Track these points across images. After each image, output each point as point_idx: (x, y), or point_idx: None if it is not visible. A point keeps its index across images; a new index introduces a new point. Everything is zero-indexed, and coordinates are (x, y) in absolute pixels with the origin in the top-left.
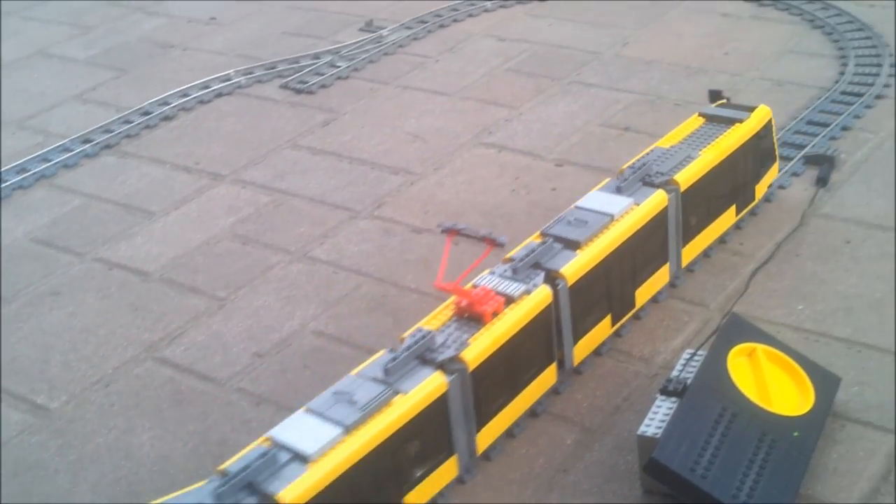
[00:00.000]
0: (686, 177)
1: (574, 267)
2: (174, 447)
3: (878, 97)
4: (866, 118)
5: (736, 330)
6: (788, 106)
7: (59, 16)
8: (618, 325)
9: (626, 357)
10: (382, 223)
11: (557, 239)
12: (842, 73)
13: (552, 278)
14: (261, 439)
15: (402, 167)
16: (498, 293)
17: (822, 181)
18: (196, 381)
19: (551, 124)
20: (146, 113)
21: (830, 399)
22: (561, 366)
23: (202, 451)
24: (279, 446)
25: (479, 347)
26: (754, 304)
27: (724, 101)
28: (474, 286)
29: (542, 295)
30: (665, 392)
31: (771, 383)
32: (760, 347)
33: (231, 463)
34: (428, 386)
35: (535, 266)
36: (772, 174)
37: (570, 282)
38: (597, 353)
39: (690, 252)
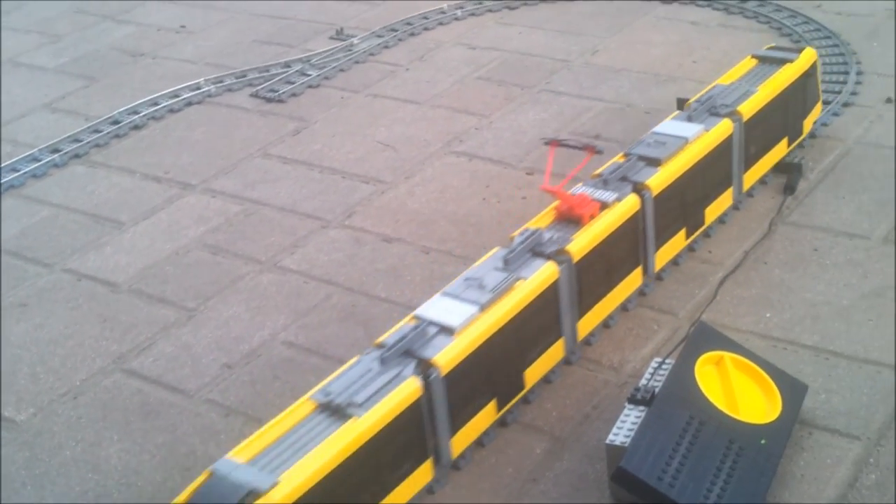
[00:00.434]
0: (747, 108)
1: (657, 180)
2: (142, 460)
3: (846, 105)
4: (833, 126)
5: (704, 338)
6: None
7: (29, 24)
8: (690, 238)
9: (595, 366)
10: (353, 232)
11: (640, 157)
12: None
13: (639, 189)
14: (408, 318)
15: (372, 176)
16: (594, 199)
17: (789, 189)
18: (165, 392)
19: (521, 132)
20: (115, 122)
21: (797, 407)
22: (645, 271)
23: (170, 464)
24: (427, 322)
25: (581, 243)
26: (723, 312)
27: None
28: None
29: (631, 202)
30: (633, 401)
31: (738, 391)
32: (728, 356)
33: (385, 337)
34: (543, 273)
35: (622, 179)
36: (816, 112)
37: (654, 193)
38: (566, 361)
39: (750, 178)
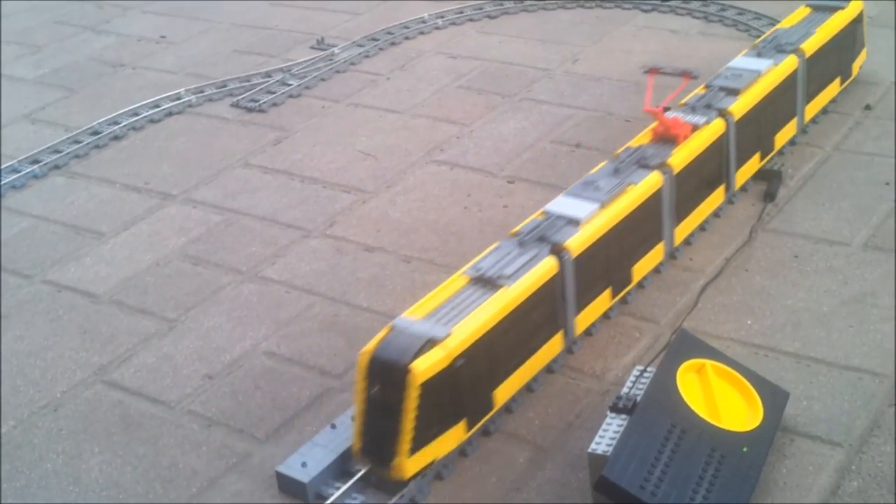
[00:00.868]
0: (809, 46)
1: (738, 106)
2: (123, 472)
3: (825, 112)
4: (812, 133)
5: (685, 346)
6: None
7: (8, 35)
8: (763, 162)
9: (577, 374)
10: (334, 242)
11: (721, 88)
12: None
13: (724, 114)
14: (537, 213)
15: (353, 185)
16: (686, 122)
17: (769, 196)
18: (146, 404)
19: (502, 141)
20: (95, 133)
21: (779, 414)
22: (728, 188)
23: (152, 476)
24: (555, 215)
25: (679, 157)
26: (704, 320)
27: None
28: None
29: (718, 125)
30: (615, 409)
31: (720, 399)
32: (709, 363)
33: (520, 227)
34: (650, 180)
35: (707, 106)
36: (862, 57)
37: (736, 118)
38: (549, 369)
39: (809, 112)
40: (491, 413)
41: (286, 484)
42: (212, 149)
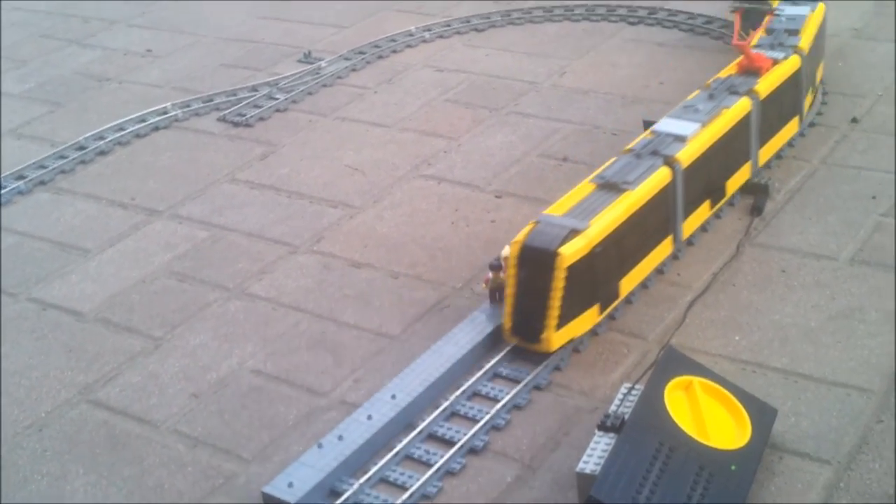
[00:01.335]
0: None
1: (805, 42)
2: (109, 493)
3: (812, 125)
4: (799, 146)
5: (673, 363)
6: None
7: None
8: (811, 102)
9: (566, 391)
10: (321, 258)
11: (784, 30)
12: None
13: (798, 50)
14: (646, 132)
15: (341, 200)
16: (768, 57)
17: (756, 210)
18: (132, 423)
19: (490, 155)
20: (81, 148)
21: (767, 431)
22: (800, 120)
23: (137, 497)
24: (663, 133)
25: (763, 86)
26: (692, 336)
27: None
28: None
29: (796, 59)
30: (603, 428)
31: (708, 417)
32: (697, 380)
33: (634, 144)
34: (741, 105)
35: (781, 44)
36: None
37: (806, 52)
38: (536, 386)
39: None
40: (617, 302)
41: None
42: (198, 164)
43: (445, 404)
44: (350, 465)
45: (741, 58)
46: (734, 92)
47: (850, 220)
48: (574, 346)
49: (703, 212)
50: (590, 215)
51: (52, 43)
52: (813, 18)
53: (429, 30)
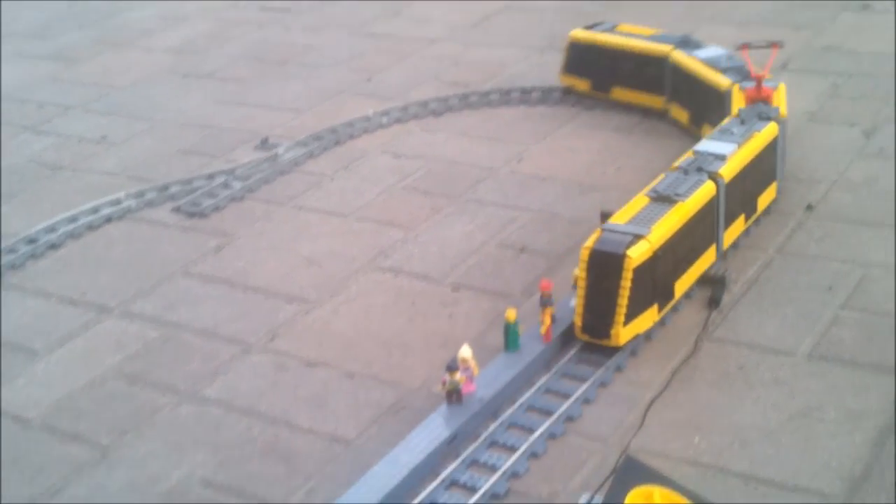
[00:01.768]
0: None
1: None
2: None
3: (766, 212)
4: (755, 234)
5: (632, 473)
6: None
7: None
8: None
9: (523, 498)
10: (276, 357)
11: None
12: None
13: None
14: (688, 153)
15: (296, 295)
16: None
17: (714, 303)
18: None
19: (448, 245)
20: (32, 241)
21: None
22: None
23: None
24: (705, 153)
25: (781, 110)
26: (651, 437)
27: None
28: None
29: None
30: None
31: None
32: (658, 490)
33: (680, 162)
34: (770, 128)
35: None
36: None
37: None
38: (494, 495)
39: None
40: (673, 302)
41: None
42: (151, 257)
43: None
44: None
45: (749, 88)
46: (763, 118)
47: (808, 312)
48: (532, 451)
49: (740, 225)
50: (649, 223)
51: (6, 130)
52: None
53: (386, 114)
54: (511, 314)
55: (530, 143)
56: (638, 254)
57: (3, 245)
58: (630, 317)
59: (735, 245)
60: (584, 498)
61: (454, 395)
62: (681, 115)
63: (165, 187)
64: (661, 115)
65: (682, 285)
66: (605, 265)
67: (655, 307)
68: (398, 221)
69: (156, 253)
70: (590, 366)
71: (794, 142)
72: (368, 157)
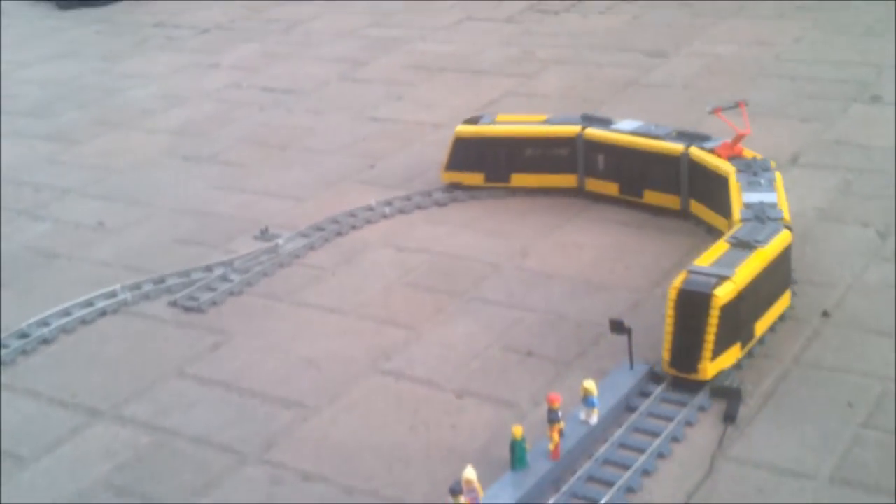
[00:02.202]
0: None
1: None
2: None
3: (781, 318)
4: (770, 343)
5: None
6: None
7: None
8: None
9: None
10: (271, 469)
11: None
12: None
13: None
14: (742, 205)
15: (294, 400)
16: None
17: (729, 418)
18: None
19: (451, 347)
20: (23, 336)
21: None
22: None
23: None
24: (758, 203)
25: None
26: None
27: (627, 331)
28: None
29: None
30: None
31: None
32: None
33: (741, 214)
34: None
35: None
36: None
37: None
38: None
39: None
40: (753, 342)
41: None
42: (146, 355)
43: None
44: None
45: (724, 144)
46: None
47: (828, 431)
48: None
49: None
50: (732, 266)
51: (3, 214)
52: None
53: (389, 204)
54: (518, 430)
55: (536, 238)
56: (724, 293)
57: None
58: (716, 353)
59: (750, 354)
60: None
61: None
62: (607, 187)
63: (162, 279)
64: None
65: (761, 326)
66: (692, 304)
67: (738, 345)
68: (400, 320)
69: (150, 350)
70: (601, 485)
71: (805, 241)
72: (370, 249)
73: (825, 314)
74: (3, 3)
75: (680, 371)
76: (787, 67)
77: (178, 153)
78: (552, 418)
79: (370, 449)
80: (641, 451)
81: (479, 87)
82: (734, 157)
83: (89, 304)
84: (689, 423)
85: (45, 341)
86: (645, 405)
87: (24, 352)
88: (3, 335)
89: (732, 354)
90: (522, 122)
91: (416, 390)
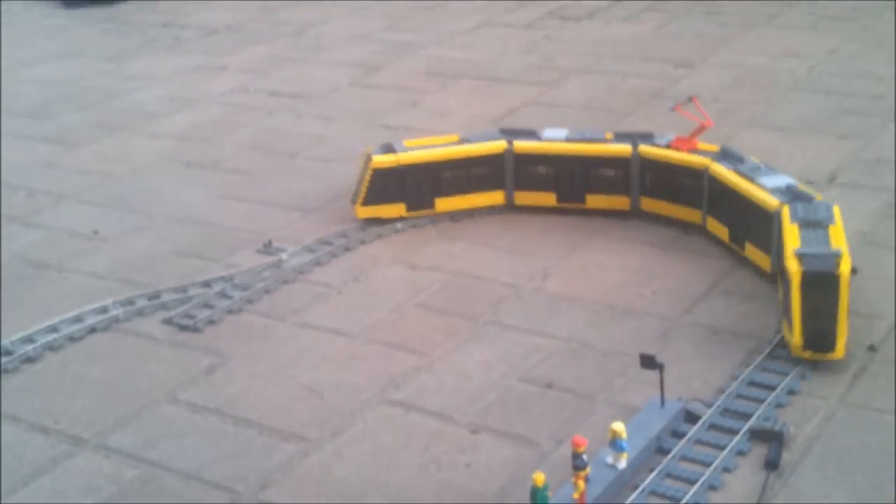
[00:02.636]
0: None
1: None
2: None
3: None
4: (815, 380)
5: None
6: (726, 361)
7: None
8: None
9: None
10: None
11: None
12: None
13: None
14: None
15: (294, 432)
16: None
17: (772, 465)
18: None
19: (465, 377)
20: (7, 353)
21: None
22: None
23: None
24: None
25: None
26: None
27: (659, 367)
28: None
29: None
30: None
31: None
32: None
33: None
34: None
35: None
36: None
37: None
38: None
39: None
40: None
41: None
42: (136, 378)
43: None
44: None
45: (680, 138)
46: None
47: (879, 481)
48: None
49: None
50: (828, 243)
51: None
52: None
53: (401, 219)
54: (539, 478)
55: (556, 258)
56: (846, 272)
57: None
58: (843, 330)
59: (791, 390)
60: None
61: None
62: (542, 198)
63: (157, 294)
64: (693, 229)
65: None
66: (820, 285)
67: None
68: (411, 345)
69: (141, 372)
70: None
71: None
72: (380, 266)
73: (871, 348)
74: None
75: (816, 352)
76: (822, 81)
77: (180, 159)
78: (578, 464)
79: (376, 489)
80: (675, 501)
81: (498, 95)
82: (690, 150)
83: (78, 319)
84: (726, 470)
85: (30, 359)
86: (678, 447)
87: (5, 371)
88: None
89: (845, 328)
90: (439, 145)
91: (427, 424)
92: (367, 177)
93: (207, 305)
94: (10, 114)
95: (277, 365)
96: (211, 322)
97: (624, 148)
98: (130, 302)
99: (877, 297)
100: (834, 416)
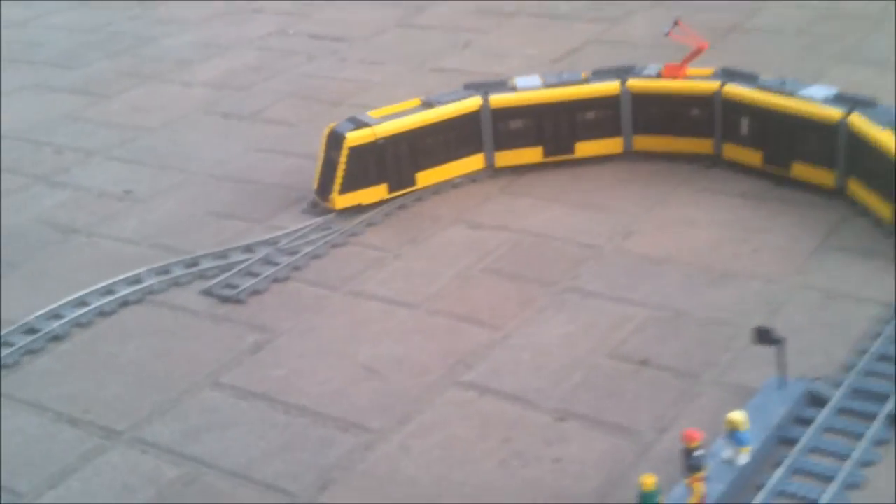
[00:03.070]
0: None
1: None
2: None
3: None
4: None
5: None
6: (848, 331)
7: None
8: None
9: None
10: None
11: None
12: None
13: None
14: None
15: (354, 420)
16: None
17: None
18: None
19: (545, 353)
20: (31, 331)
21: None
22: None
23: None
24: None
25: None
26: None
27: (778, 342)
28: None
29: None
30: None
31: None
32: None
33: None
34: None
35: None
36: None
37: None
38: None
39: None
40: None
41: None
42: (173, 358)
43: None
44: None
45: (670, 66)
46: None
47: None
48: None
49: None
50: None
51: (16, 179)
52: None
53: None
54: (648, 481)
55: (638, 213)
56: None
57: None
58: None
59: None
60: None
61: None
62: (531, 155)
63: (195, 262)
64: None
65: None
66: None
67: None
68: (480, 317)
69: (179, 352)
70: None
71: None
72: (440, 226)
73: None
74: None
75: None
76: None
77: (216, 110)
78: (693, 464)
79: (451, 490)
80: (810, 502)
81: (557, 33)
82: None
83: (109, 291)
84: (866, 464)
85: (56, 338)
86: (806, 437)
87: (29, 351)
88: (4, 331)
89: None
90: (409, 111)
91: (505, 410)
92: (343, 159)
93: (251, 273)
94: (35, 63)
95: (331, 341)
96: (255, 292)
97: (612, 86)
98: (165, 271)
99: None
100: None
